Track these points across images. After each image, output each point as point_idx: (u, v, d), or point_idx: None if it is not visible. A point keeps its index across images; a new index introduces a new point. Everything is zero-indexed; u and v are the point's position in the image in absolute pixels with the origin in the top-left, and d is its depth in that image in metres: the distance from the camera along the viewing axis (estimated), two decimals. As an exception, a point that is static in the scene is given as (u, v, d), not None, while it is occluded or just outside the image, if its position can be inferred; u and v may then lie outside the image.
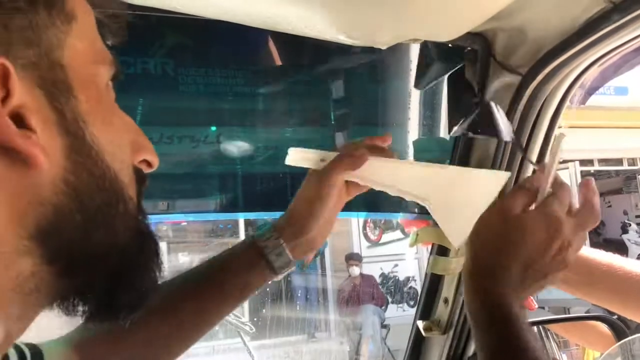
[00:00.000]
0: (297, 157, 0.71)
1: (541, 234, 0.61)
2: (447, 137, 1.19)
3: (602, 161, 8.86)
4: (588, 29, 0.72)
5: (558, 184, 0.65)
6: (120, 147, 0.42)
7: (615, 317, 1.30)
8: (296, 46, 1.20)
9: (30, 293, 0.36)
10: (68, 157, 0.36)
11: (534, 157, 0.90)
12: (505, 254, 0.62)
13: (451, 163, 1.01)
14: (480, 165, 0.94)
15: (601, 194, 9.41)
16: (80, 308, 0.40)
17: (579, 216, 0.64)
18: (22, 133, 0.34)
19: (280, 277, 0.71)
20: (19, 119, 0.34)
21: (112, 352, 0.64)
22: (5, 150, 0.33)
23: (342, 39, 0.77)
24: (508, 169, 0.91)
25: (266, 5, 0.68)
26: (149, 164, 0.46)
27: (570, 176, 7.38)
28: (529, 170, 0.92)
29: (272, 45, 1.19)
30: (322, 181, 0.69)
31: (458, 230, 0.71)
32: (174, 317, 0.67)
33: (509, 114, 0.85)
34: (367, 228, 8.04)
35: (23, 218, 0.34)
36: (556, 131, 0.86)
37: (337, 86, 1.26)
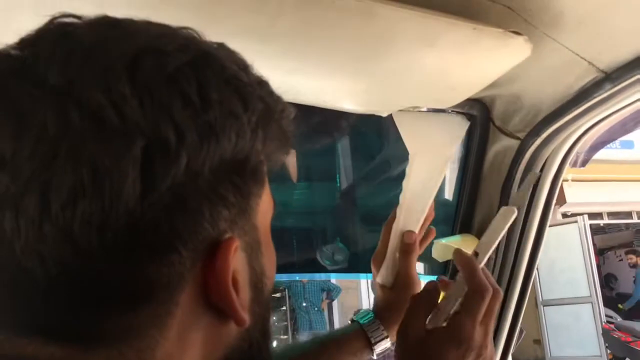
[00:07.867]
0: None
1: (451, 354, 0.58)
2: (450, 198, 1.20)
3: (612, 215, 8.78)
4: (582, 97, 0.74)
5: (476, 284, 0.60)
6: (272, 271, 0.43)
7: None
8: (302, 106, 1.23)
9: None
10: (251, 309, 0.39)
11: (536, 218, 0.91)
12: None
13: (454, 222, 1.02)
14: (482, 224, 0.95)
15: (612, 248, 9.28)
16: None
17: (483, 323, 0.60)
18: (240, 301, 0.36)
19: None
20: (232, 283, 0.36)
21: None
22: (219, 312, 0.36)
23: (347, 107, 0.80)
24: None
25: (278, 76, 0.71)
26: None
27: (579, 230, 7.26)
28: (533, 229, 0.92)
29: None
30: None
31: None
32: None
33: (509, 177, 0.86)
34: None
35: (208, 357, 0.37)
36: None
37: (343, 144, 1.28)
